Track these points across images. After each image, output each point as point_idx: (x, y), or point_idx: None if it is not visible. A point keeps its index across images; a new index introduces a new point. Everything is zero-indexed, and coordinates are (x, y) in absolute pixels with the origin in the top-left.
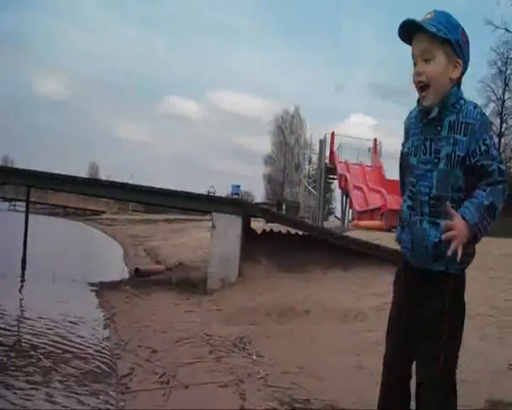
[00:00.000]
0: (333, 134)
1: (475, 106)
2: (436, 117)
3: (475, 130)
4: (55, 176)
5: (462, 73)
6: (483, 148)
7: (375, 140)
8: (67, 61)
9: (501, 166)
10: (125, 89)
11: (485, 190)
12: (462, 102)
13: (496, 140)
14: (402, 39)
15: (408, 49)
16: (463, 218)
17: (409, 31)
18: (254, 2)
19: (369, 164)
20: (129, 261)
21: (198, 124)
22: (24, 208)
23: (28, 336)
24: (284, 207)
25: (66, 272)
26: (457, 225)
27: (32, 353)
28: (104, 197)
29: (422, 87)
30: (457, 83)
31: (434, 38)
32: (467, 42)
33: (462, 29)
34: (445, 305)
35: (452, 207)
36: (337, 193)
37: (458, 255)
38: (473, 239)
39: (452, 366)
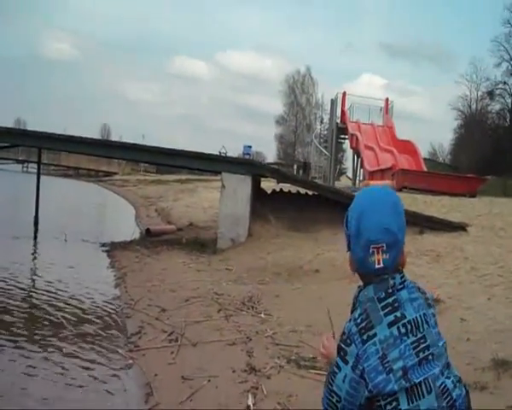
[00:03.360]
0: (344, 94)
1: (352, 317)
2: None
3: None
4: (65, 137)
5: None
6: None
7: (387, 99)
8: (77, 23)
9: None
10: (135, 50)
11: None
12: None
13: None
14: None
15: (416, 7)
16: None
17: None
18: None
19: (381, 124)
20: (140, 222)
21: (208, 84)
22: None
23: (41, 297)
24: (296, 167)
25: (78, 233)
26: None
27: (44, 313)
28: (115, 158)
29: None
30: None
31: None
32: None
33: None
34: None
35: None
36: (349, 153)
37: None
38: None
39: None
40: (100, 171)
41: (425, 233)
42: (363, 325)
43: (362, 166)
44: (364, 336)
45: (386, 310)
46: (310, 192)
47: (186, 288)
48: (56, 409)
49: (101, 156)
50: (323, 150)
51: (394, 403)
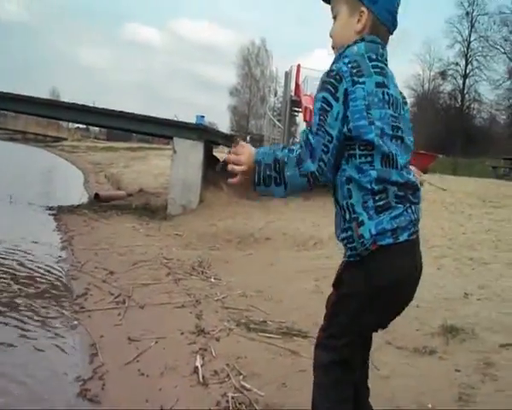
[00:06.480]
0: (298, 66)
1: (341, 61)
2: None
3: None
4: (13, 96)
5: (377, 23)
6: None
7: None
8: None
9: (309, 135)
10: (86, 14)
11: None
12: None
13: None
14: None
15: None
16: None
17: None
18: None
19: None
20: (89, 187)
21: (162, 53)
22: None
23: None
24: (249, 139)
25: (25, 196)
26: (244, 149)
27: None
28: (64, 120)
29: (333, 49)
30: (363, 36)
31: None
32: None
33: None
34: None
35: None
36: (302, 126)
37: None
38: (253, 180)
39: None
40: (48, 136)
41: None
42: (354, 70)
43: None
44: (354, 78)
45: (375, 69)
46: None
47: (135, 252)
48: None
49: (49, 117)
50: (277, 123)
51: (369, 158)
